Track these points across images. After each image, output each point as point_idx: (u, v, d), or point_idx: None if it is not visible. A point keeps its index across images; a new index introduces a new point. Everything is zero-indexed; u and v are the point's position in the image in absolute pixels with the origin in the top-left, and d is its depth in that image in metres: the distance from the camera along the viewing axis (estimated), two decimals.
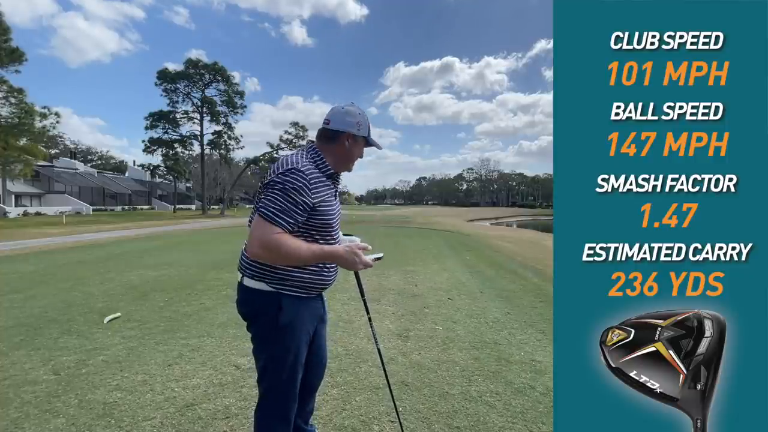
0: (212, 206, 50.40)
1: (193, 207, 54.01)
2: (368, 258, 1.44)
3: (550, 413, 2.25)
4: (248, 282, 1.45)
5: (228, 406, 2.30)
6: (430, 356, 3.06)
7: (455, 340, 3.41)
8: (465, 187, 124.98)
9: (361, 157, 1.56)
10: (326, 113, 1.51)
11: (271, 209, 1.29)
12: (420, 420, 2.18)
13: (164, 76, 34.66)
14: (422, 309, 4.41)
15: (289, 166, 1.35)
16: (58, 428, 2.07)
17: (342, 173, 1.55)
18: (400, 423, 1.94)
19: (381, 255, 1.56)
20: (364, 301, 1.83)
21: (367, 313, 1.83)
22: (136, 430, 2.07)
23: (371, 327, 1.82)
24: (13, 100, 21.68)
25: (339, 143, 1.47)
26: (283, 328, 1.43)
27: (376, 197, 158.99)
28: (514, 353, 3.13)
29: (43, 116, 23.46)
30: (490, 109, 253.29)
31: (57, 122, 24.34)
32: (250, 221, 1.42)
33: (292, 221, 1.32)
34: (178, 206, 46.15)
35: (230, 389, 2.50)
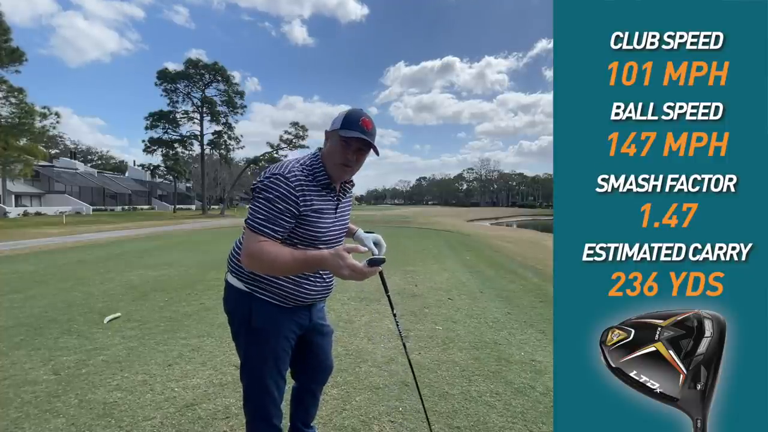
0: (212, 206, 50.40)
1: (193, 207, 54.00)
2: (358, 262, 1.16)
3: (550, 413, 2.25)
4: (229, 278, 1.47)
5: (228, 406, 2.29)
6: (430, 356, 3.06)
7: (455, 340, 3.41)
8: (465, 187, 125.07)
9: (351, 159, 1.34)
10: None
11: (257, 219, 1.26)
12: (420, 420, 2.18)
13: (164, 76, 34.66)
14: (422, 309, 4.41)
15: (275, 171, 1.30)
16: (58, 428, 2.07)
17: (349, 184, 1.48)
18: (428, 420, 1.92)
19: (382, 258, 1.27)
20: (389, 297, 1.72)
21: (392, 310, 1.73)
22: (136, 430, 2.07)
23: (397, 325, 1.79)
24: (13, 100, 21.67)
25: (324, 144, 1.41)
26: (256, 331, 1.41)
27: (376, 197, 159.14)
28: (514, 353, 3.13)
29: (43, 116, 23.47)
30: (491, 109, 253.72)
31: (57, 122, 24.39)
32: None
33: (279, 229, 1.27)
34: (178, 206, 46.15)
35: (230, 389, 2.50)
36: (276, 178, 1.28)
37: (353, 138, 1.31)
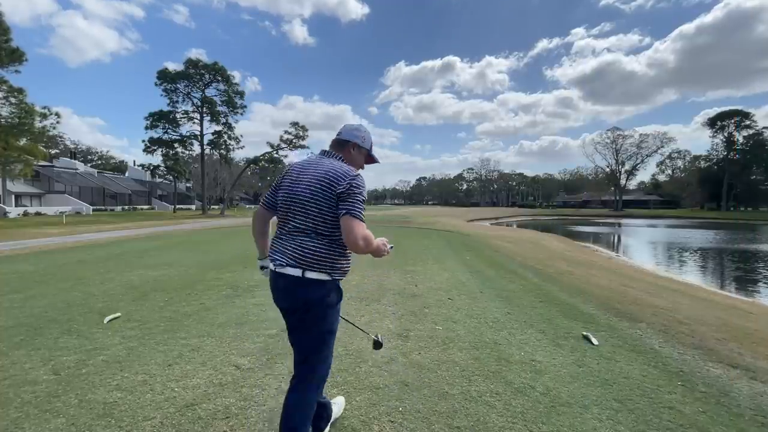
0: (212, 206, 50.41)
1: (193, 207, 54.03)
2: (388, 247, 1.83)
3: (550, 413, 2.25)
4: (312, 275, 1.67)
5: (228, 406, 2.30)
6: (430, 356, 3.06)
7: (455, 340, 3.41)
8: (465, 187, 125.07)
9: (362, 167, 1.91)
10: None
11: (360, 211, 1.64)
12: (420, 420, 2.18)
13: (164, 76, 34.59)
14: (422, 309, 4.40)
15: (354, 173, 1.71)
16: (58, 428, 2.07)
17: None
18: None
19: (392, 246, 1.90)
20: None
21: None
22: (136, 430, 2.07)
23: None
24: (13, 100, 21.65)
25: (346, 150, 1.82)
26: (335, 306, 1.76)
27: (376, 197, 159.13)
28: (514, 353, 3.13)
29: (44, 116, 23.46)
30: (491, 109, 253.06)
31: (57, 122, 24.36)
32: (293, 225, 1.78)
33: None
34: (178, 206, 46.13)
35: (230, 389, 2.50)
36: (360, 177, 1.72)
37: (375, 160, 1.98)
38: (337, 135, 1.85)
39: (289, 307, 1.74)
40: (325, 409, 1.99)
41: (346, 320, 1.83)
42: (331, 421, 2.06)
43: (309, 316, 1.70)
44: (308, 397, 1.76)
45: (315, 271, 1.65)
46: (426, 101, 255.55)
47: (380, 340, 2.00)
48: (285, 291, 1.70)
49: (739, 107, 65.80)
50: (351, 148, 1.82)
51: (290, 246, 1.68)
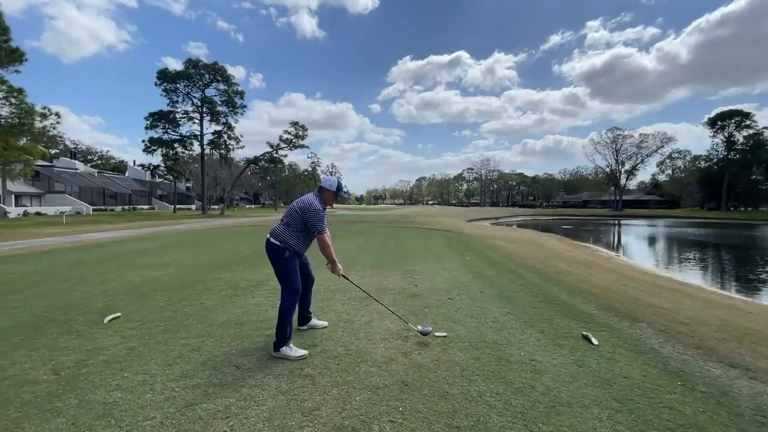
0: (212, 206, 50.41)
1: (193, 207, 54.04)
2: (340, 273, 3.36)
3: (550, 413, 2.25)
4: (273, 240, 3.13)
5: (228, 406, 2.30)
6: (430, 356, 3.06)
7: (455, 340, 3.41)
8: (465, 187, 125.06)
9: (335, 201, 3.34)
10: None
11: (320, 226, 3.11)
12: (420, 420, 2.18)
13: (164, 76, 34.58)
14: (422, 309, 4.40)
15: (316, 207, 3.11)
16: (58, 428, 2.08)
17: (333, 202, 3.31)
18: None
19: (345, 276, 3.43)
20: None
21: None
22: (136, 430, 2.07)
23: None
24: (13, 100, 21.66)
25: (324, 193, 3.25)
26: (288, 259, 3.10)
27: (375, 197, 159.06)
28: (514, 353, 3.13)
29: (43, 116, 23.47)
30: (498, 107, 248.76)
31: (57, 122, 24.39)
32: (282, 219, 3.22)
33: (323, 225, 3.17)
34: (178, 206, 46.12)
35: (230, 389, 2.50)
36: (319, 209, 3.13)
37: (343, 198, 3.30)
38: (321, 183, 3.27)
39: (268, 256, 3.17)
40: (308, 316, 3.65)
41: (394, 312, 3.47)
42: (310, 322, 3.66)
43: (276, 263, 3.13)
44: (282, 303, 3.06)
45: (273, 239, 3.13)
46: (430, 98, 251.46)
47: (424, 330, 3.39)
48: (266, 248, 3.18)
49: (756, 104, 64.91)
50: (324, 189, 3.25)
51: (277, 227, 3.19)
